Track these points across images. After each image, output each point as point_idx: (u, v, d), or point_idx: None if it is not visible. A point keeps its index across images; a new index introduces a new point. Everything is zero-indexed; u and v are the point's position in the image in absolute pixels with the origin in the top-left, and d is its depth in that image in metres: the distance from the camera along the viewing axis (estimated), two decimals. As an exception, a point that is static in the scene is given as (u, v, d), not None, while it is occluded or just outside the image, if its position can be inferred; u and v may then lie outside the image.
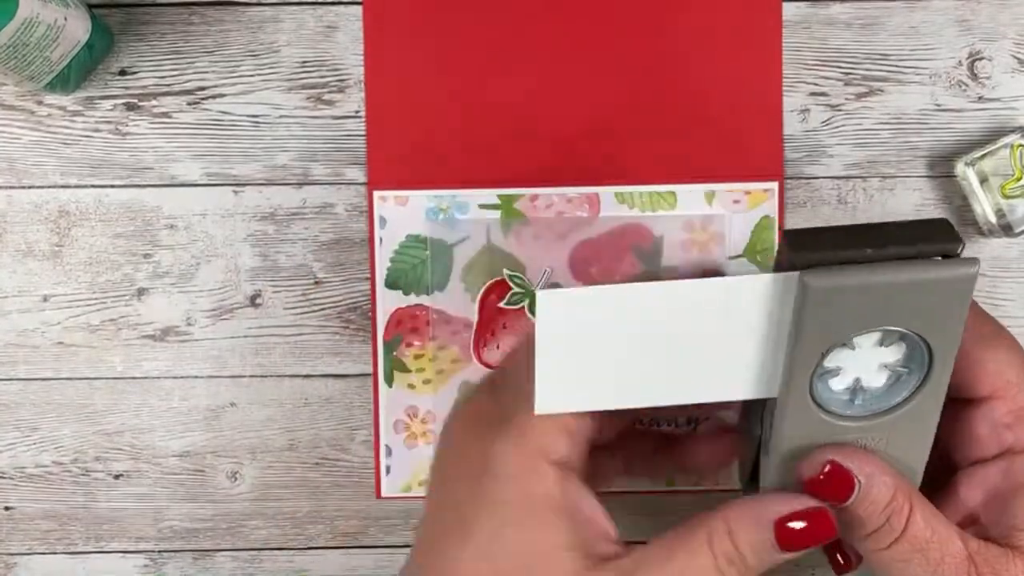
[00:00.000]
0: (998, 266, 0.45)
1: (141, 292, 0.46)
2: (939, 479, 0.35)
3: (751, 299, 0.30)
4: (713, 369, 0.32)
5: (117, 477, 0.46)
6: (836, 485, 0.32)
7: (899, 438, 0.33)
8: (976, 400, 0.33)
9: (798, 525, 0.32)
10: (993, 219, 0.43)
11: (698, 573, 0.32)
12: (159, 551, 0.46)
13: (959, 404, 0.33)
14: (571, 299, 0.31)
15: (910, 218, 0.34)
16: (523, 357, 0.33)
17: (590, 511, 0.33)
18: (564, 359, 0.32)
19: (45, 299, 0.46)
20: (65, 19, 0.40)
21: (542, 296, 0.31)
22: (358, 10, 0.45)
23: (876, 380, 0.32)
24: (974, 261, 0.29)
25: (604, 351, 0.32)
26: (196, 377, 0.46)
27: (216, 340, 0.46)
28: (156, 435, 0.46)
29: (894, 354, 0.31)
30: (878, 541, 0.33)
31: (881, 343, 0.31)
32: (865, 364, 0.32)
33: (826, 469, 0.32)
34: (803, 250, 0.29)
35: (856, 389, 0.32)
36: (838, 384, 0.32)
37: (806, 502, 0.32)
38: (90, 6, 0.43)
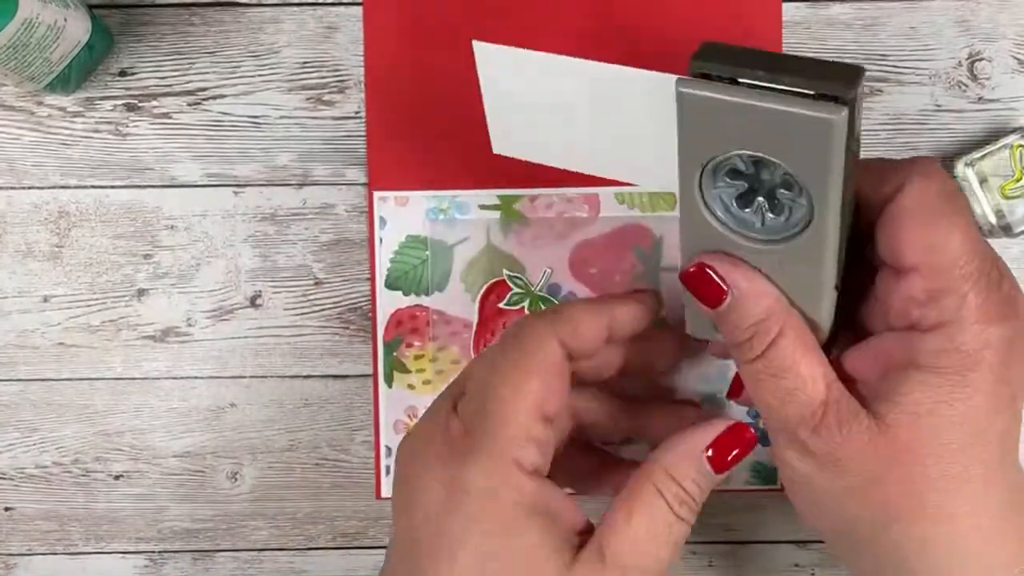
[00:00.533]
0: (998, 266, 0.45)
1: (141, 293, 0.46)
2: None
3: (659, 94, 0.31)
4: (628, 151, 0.35)
5: (117, 478, 0.46)
6: (702, 284, 0.34)
7: (794, 274, 0.33)
8: (901, 270, 0.32)
9: (725, 446, 0.36)
10: (993, 219, 0.43)
11: (659, 523, 0.34)
12: (159, 551, 0.46)
13: (888, 271, 0.33)
14: (503, 54, 0.34)
15: (832, 59, 0.34)
16: (483, 375, 0.35)
17: (562, 508, 0.34)
18: (506, 109, 0.36)
19: (45, 300, 0.46)
20: (65, 20, 0.40)
21: (477, 46, 0.34)
22: (358, 11, 0.45)
23: (776, 208, 0.32)
24: (841, 108, 0.28)
25: (537, 110, 0.35)
26: (196, 378, 0.46)
27: (216, 341, 0.46)
28: (156, 435, 0.46)
29: (790, 184, 0.31)
30: (741, 354, 0.34)
31: (774, 173, 0.31)
32: (766, 188, 0.32)
33: (693, 266, 0.34)
34: (702, 59, 0.30)
35: (759, 212, 0.32)
36: (738, 200, 0.33)
37: (722, 424, 0.36)
38: (90, 7, 0.43)
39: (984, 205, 0.43)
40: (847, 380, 0.34)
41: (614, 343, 0.38)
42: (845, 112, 0.28)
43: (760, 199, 0.32)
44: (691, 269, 0.34)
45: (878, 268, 0.34)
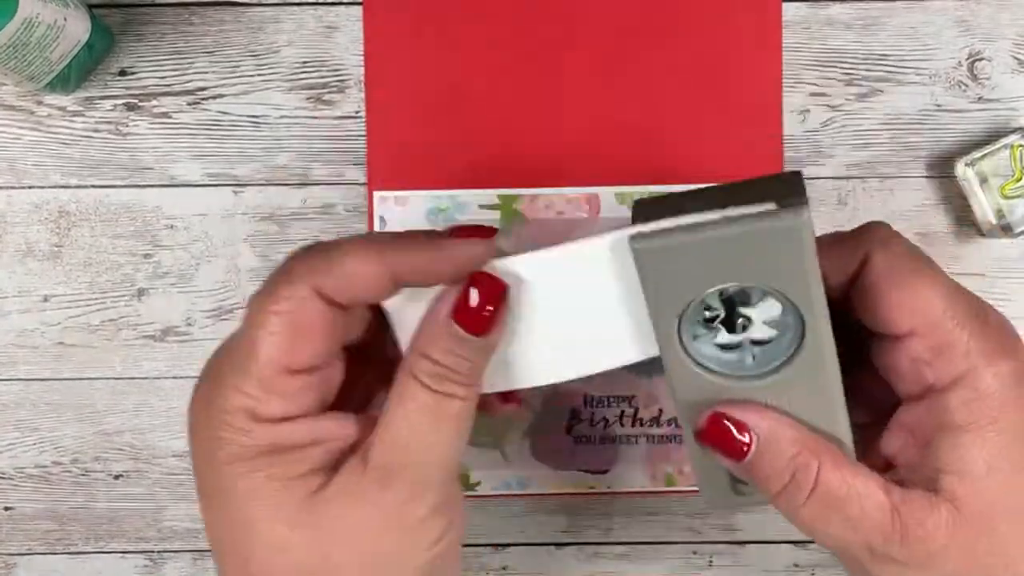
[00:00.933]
0: (998, 266, 0.45)
1: (141, 292, 0.46)
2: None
3: (604, 264, 0.30)
4: (598, 336, 0.32)
5: (117, 477, 0.46)
6: (724, 437, 0.32)
7: (802, 396, 0.32)
8: (898, 338, 0.31)
9: (471, 302, 0.31)
10: (993, 219, 0.43)
11: (421, 409, 0.31)
12: (159, 551, 0.46)
13: (882, 341, 0.32)
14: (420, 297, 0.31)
15: (763, 175, 0.33)
16: (245, 316, 0.31)
17: (326, 430, 0.31)
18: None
19: (45, 299, 0.46)
20: (65, 19, 0.40)
21: (388, 305, 0.31)
22: (358, 10, 0.45)
23: (763, 335, 0.31)
24: (800, 210, 0.28)
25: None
26: (196, 377, 0.46)
27: (216, 340, 0.46)
28: (156, 435, 0.46)
29: (770, 309, 0.31)
30: (789, 500, 0.32)
31: (752, 299, 0.31)
32: (742, 323, 0.31)
33: (707, 420, 0.32)
34: (642, 218, 0.29)
35: (746, 347, 0.31)
36: (723, 341, 0.31)
37: (459, 286, 0.31)
38: (90, 6, 0.43)
39: (984, 205, 0.43)
40: (888, 469, 0.33)
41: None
42: (806, 211, 0.28)
43: (743, 336, 0.31)
44: (705, 425, 0.32)
45: (867, 341, 0.33)
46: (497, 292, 0.31)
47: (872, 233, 0.32)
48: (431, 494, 0.31)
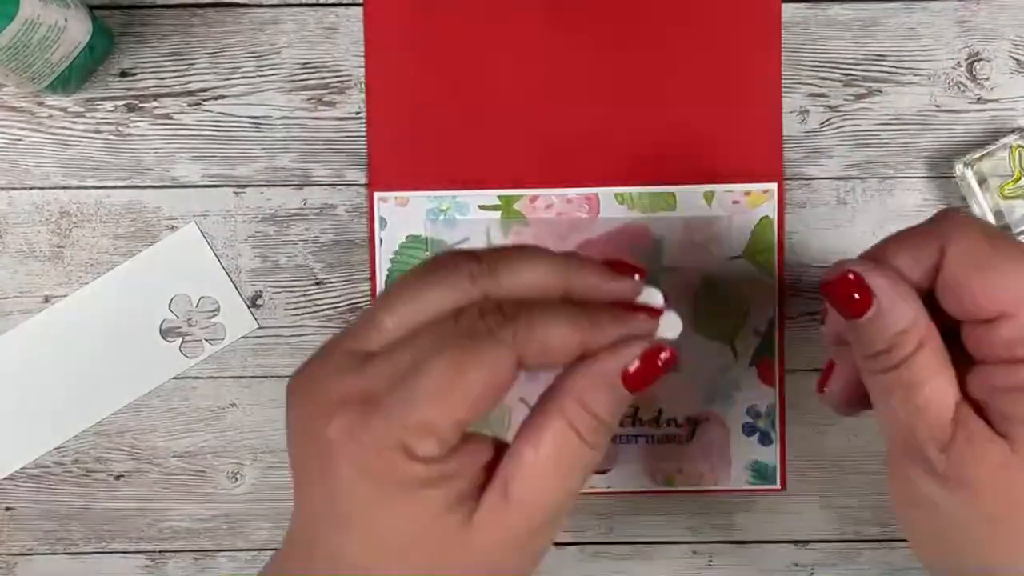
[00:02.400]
0: (997, 266, 0.45)
1: (142, 293, 0.46)
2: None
3: None
4: None
5: (118, 477, 0.46)
6: (848, 295, 0.32)
7: None
8: (987, 322, 0.31)
9: (643, 371, 0.32)
10: (992, 220, 0.43)
11: (570, 456, 0.32)
12: (159, 551, 0.46)
13: (977, 331, 0.32)
14: None
15: None
16: (428, 344, 0.30)
17: (465, 463, 0.31)
18: None
19: (46, 300, 0.46)
20: (66, 20, 0.40)
21: None
22: (358, 11, 0.45)
23: None
24: None
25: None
26: (197, 378, 0.46)
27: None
28: (157, 435, 0.46)
29: None
30: (874, 363, 0.33)
31: None
32: None
33: (837, 274, 0.32)
34: None
35: None
36: None
37: (638, 347, 0.32)
38: (91, 7, 0.43)
39: (983, 206, 0.43)
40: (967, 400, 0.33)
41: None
42: None
43: None
44: (835, 278, 0.32)
45: (957, 331, 0.33)
46: (668, 366, 0.32)
47: (947, 221, 0.32)
48: (557, 530, 0.33)
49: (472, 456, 0.32)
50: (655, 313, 0.33)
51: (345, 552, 0.31)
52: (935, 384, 0.32)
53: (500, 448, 0.32)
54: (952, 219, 0.32)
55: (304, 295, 0.46)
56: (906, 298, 0.32)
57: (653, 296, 0.33)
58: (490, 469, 0.32)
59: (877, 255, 0.33)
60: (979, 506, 0.32)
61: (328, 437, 0.30)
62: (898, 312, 0.32)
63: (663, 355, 0.32)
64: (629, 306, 0.33)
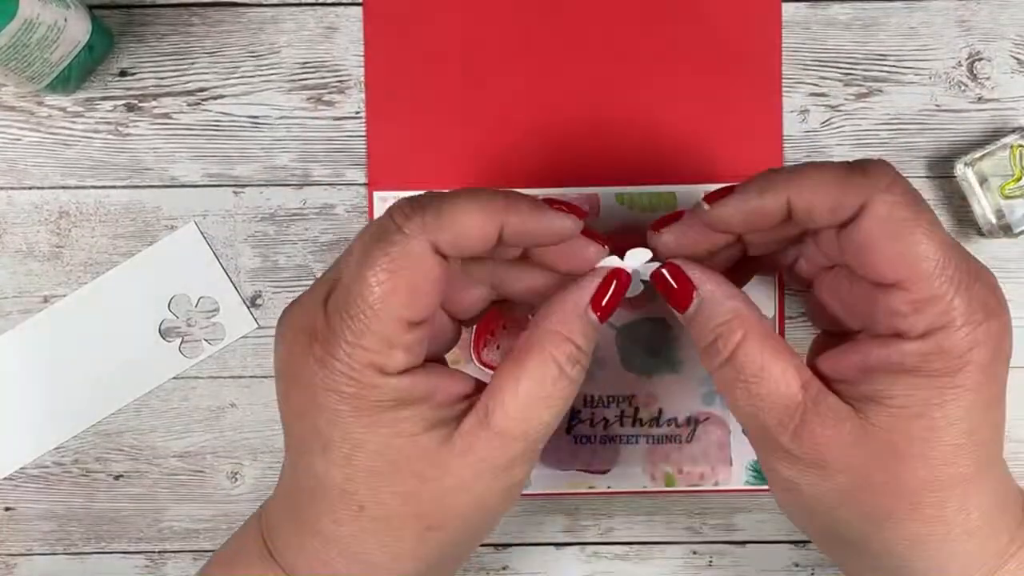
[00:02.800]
0: (998, 266, 0.45)
1: (141, 293, 0.46)
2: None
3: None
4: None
5: (117, 477, 0.46)
6: (671, 287, 0.35)
7: None
8: (880, 286, 0.32)
9: (606, 295, 0.35)
10: (992, 219, 0.43)
11: (549, 386, 0.33)
12: (159, 551, 0.46)
13: (862, 286, 0.33)
14: None
15: None
16: (351, 271, 0.32)
17: (437, 387, 0.33)
18: None
19: (46, 300, 0.46)
20: (65, 20, 0.40)
21: None
22: (358, 11, 0.45)
23: None
24: None
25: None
26: (196, 378, 0.46)
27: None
28: (156, 435, 0.46)
29: None
30: (707, 360, 0.34)
31: None
32: None
33: (664, 266, 0.35)
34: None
35: None
36: None
37: (600, 274, 0.35)
38: (90, 7, 0.43)
39: (984, 205, 0.43)
40: (824, 379, 0.34)
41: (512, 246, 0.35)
42: None
43: None
44: (660, 271, 0.35)
45: (842, 271, 0.35)
46: (625, 286, 0.35)
47: (874, 177, 0.32)
48: (534, 460, 0.34)
49: (445, 379, 0.33)
50: (579, 212, 0.35)
51: (329, 476, 0.33)
52: (771, 372, 0.33)
53: (481, 386, 0.34)
54: (881, 175, 0.32)
55: (304, 295, 0.46)
56: (727, 292, 0.34)
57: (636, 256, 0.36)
58: (472, 403, 0.33)
59: (795, 184, 0.33)
60: (835, 484, 0.33)
61: (305, 370, 0.32)
62: (717, 303, 0.34)
63: (621, 276, 0.35)
64: (555, 203, 0.34)
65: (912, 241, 0.31)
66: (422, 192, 0.33)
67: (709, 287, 0.34)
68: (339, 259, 0.34)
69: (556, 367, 0.33)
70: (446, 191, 0.33)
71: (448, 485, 0.33)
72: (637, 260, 0.36)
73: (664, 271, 0.35)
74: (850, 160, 0.33)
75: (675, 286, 0.35)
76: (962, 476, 0.32)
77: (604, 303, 0.35)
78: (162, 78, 0.45)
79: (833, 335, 0.37)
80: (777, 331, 0.45)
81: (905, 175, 0.45)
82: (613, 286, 0.35)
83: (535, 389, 0.33)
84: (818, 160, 0.34)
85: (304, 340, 0.32)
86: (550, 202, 0.34)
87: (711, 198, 0.34)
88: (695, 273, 0.35)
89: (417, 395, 0.32)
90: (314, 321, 0.32)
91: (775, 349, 0.33)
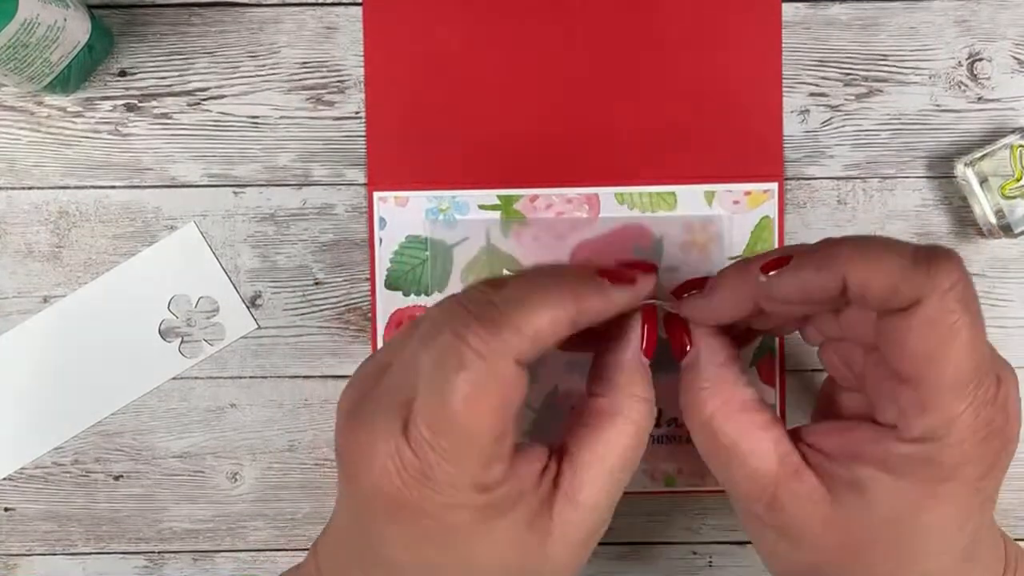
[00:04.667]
0: (998, 266, 0.45)
1: (141, 293, 0.46)
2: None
3: None
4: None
5: (117, 478, 0.46)
6: (672, 332, 0.36)
7: None
8: (900, 376, 0.31)
9: (652, 339, 0.36)
10: (993, 219, 0.43)
11: (633, 450, 0.34)
12: (159, 552, 0.46)
13: (883, 367, 0.33)
14: None
15: None
16: (436, 395, 0.30)
17: (525, 475, 0.32)
18: None
19: (45, 300, 0.46)
20: (65, 20, 0.40)
21: None
22: (358, 11, 0.45)
23: None
24: None
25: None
26: (196, 378, 0.46)
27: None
28: (156, 436, 0.46)
29: None
30: (686, 417, 0.36)
31: None
32: None
33: (667, 315, 0.36)
34: None
35: None
36: None
37: (638, 320, 0.36)
38: (90, 7, 0.43)
39: (984, 205, 0.43)
40: (808, 448, 0.34)
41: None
42: None
43: None
44: (667, 317, 0.36)
45: (866, 354, 0.34)
46: (655, 319, 0.36)
47: (936, 277, 0.30)
48: (610, 517, 0.34)
49: (530, 464, 0.33)
50: (637, 271, 0.35)
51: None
52: (742, 447, 0.34)
53: (548, 451, 0.34)
54: (945, 273, 0.30)
55: (303, 295, 0.46)
56: (716, 355, 0.35)
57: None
58: (546, 475, 0.33)
59: (855, 263, 0.31)
60: (807, 559, 0.33)
61: (403, 504, 0.31)
62: (704, 365, 0.35)
63: (654, 313, 0.36)
64: (611, 274, 0.34)
65: (947, 350, 0.30)
66: (478, 287, 0.32)
67: (700, 345, 0.35)
68: (393, 370, 0.32)
69: (634, 428, 0.34)
70: (509, 284, 0.31)
71: (548, 569, 0.33)
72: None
73: (668, 320, 0.36)
74: (919, 245, 0.31)
75: (673, 336, 0.36)
76: (933, 574, 0.32)
77: (646, 345, 0.36)
78: (162, 78, 0.45)
79: (832, 406, 0.37)
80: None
81: (905, 176, 0.45)
82: (654, 327, 0.36)
83: (617, 457, 0.33)
84: (885, 236, 0.32)
85: (396, 477, 0.31)
86: (611, 274, 0.34)
87: (767, 267, 0.33)
88: (691, 329, 0.36)
89: (515, 495, 0.32)
90: (402, 456, 0.30)
91: (750, 424, 0.34)
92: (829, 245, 0.32)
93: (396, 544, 0.32)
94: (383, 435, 0.31)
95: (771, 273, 0.33)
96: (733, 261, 0.44)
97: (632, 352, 0.35)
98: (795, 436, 0.34)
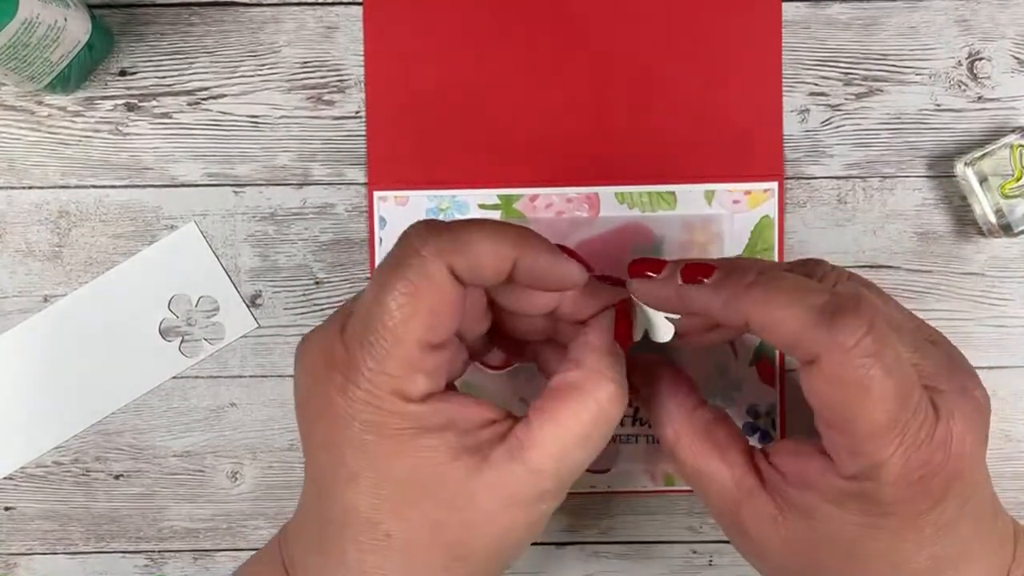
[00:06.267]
0: (998, 266, 0.45)
1: (141, 292, 0.46)
2: None
3: None
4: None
5: (117, 477, 0.46)
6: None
7: None
8: (822, 418, 0.32)
9: (625, 326, 0.36)
10: (993, 219, 0.43)
11: (590, 425, 0.33)
12: (159, 551, 0.46)
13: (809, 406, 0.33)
14: None
15: None
16: (368, 297, 0.32)
17: (462, 412, 0.33)
18: None
19: (45, 300, 0.46)
20: (65, 20, 0.40)
21: None
22: (358, 10, 0.45)
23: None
24: None
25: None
26: (196, 377, 0.46)
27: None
28: (156, 435, 0.46)
29: None
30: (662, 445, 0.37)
31: None
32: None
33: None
34: None
35: None
36: None
37: (610, 318, 0.36)
38: (90, 7, 0.43)
39: (984, 205, 0.43)
40: (770, 467, 0.35)
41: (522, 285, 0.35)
42: None
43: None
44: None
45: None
46: (631, 308, 0.37)
47: (838, 333, 0.30)
48: (561, 498, 0.34)
49: (468, 406, 0.33)
50: (585, 263, 0.35)
51: (356, 506, 0.32)
52: (704, 471, 0.35)
53: (506, 414, 0.34)
54: (849, 330, 0.30)
55: (304, 295, 0.46)
56: (665, 396, 0.37)
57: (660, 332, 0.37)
58: (492, 426, 0.33)
59: (757, 310, 0.32)
60: (770, 570, 0.35)
61: (327, 401, 0.32)
62: (657, 405, 0.37)
63: (627, 306, 0.36)
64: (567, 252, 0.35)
65: (858, 404, 0.30)
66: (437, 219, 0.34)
67: (648, 390, 0.37)
68: (354, 295, 0.34)
69: (597, 406, 0.33)
70: (462, 219, 0.33)
71: (476, 516, 0.32)
72: (665, 335, 0.37)
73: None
74: (831, 294, 0.31)
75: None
76: None
77: (623, 333, 0.36)
78: (162, 78, 0.45)
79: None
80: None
81: (905, 175, 0.45)
82: (627, 315, 0.36)
83: (576, 428, 0.33)
84: (797, 279, 0.32)
85: (324, 371, 0.32)
86: (563, 248, 0.35)
87: (687, 274, 0.34)
88: (638, 377, 0.37)
89: (440, 421, 0.32)
90: (333, 351, 0.32)
91: (711, 449, 0.35)
92: (738, 283, 0.32)
93: (320, 447, 0.33)
94: (320, 335, 0.33)
95: (688, 282, 0.34)
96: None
97: (605, 336, 0.35)
98: (764, 452, 0.36)
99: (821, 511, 0.33)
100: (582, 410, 0.33)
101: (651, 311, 0.36)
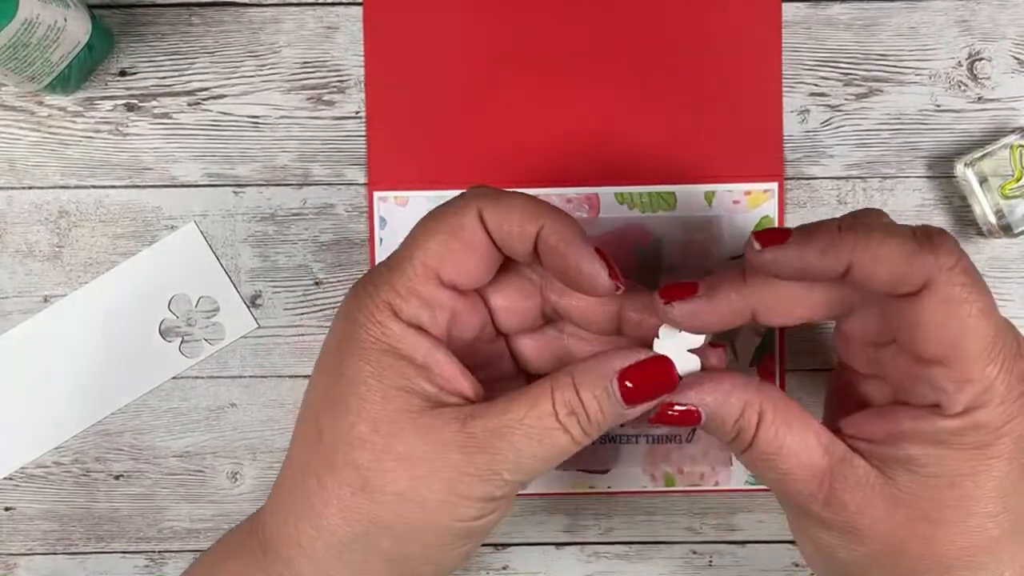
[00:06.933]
0: (998, 266, 0.45)
1: (141, 293, 0.46)
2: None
3: None
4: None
5: (117, 477, 0.46)
6: (676, 420, 0.34)
7: None
8: (926, 360, 0.32)
9: (641, 378, 0.33)
10: (993, 219, 0.43)
11: (537, 420, 0.32)
12: (159, 551, 0.46)
13: (905, 354, 0.33)
14: None
15: None
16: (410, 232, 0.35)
17: (441, 367, 0.33)
18: None
19: (45, 300, 0.46)
20: (65, 20, 0.40)
21: None
22: (358, 11, 0.45)
23: None
24: None
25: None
26: (196, 377, 0.46)
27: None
28: (156, 435, 0.46)
29: None
30: (734, 450, 0.35)
31: None
32: None
33: (657, 413, 0.34)
34: None
35: None
36: None
37: (644, 354, 0.33)
38: (90, 7, 0.43)
39: (984, 205, 0.43)
40: (849, 438, 0.34)
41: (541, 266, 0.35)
42: None
43: None
44: (657, 416, 0.34)
45: (880, 345, 0.34)
46: (668, 386, 0.33)
47: (942, 256, 0.31)
48: (495, 485, 0.33)
49: (453, 365, 0.34)
50: (616, 273, 0.34)
51: (308, 400, 0.35)
52: (791, 447, 0.33)
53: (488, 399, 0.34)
54: (948, 252, 0.31)
55: (304, 295, 0.46)
56: (727, 391, 0.33)
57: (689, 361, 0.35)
58: (461, 399, 0.34)
59: (861, 250, 0.31)
60: (869, 550, 0.33)
61: (344, 306, 0.35)
62: (725, 410, 0.33)
63: (669, 372, 0.33)
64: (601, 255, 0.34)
65: (968, 325, 0.31)
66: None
67: (709, 399, 0.33)
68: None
69: (550, 406, 0.32)
70: (509, 197, 0.34)
71: (400, 457, 0.32)
72: (690, 366, 0.34)
73: (664, 416, 0.34)
74: (914, 228, 0.32)
75: (678, 417, 0.34)
76: (995, 541, 0.32)
77: (633, 385, 0.33)
78: (162, 78, 0.45)
79: (852, 395, 0.37)
80: (778, 332, 0.45)
81: (905, 175, 0.45)
82: (655, 376, 0.33)
83: (521, 417, 0.32)
84: (880, 222, 0.33)
85: (359, 281, 0.35)
86: (596, 248, 0.34)
87: (765, 240, 0.32)
88: (691, 395, 0.33)
89: (413, 356, 0.33)
90: (374, 268, 0.35)
91: (789, 421, 0.33)
92: (832, 230, 0.32)
93: (319, 380, 0.35)
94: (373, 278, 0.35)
95: (770, 248, 0.32)
96: (733, 261, 0.45)
97: (608, 361, 0.33)
98: (832, 431, 0.34)
99: (928, 458, 0.32)
100: (537, 402, 0.32)
101: (674, 348, 0.34)
